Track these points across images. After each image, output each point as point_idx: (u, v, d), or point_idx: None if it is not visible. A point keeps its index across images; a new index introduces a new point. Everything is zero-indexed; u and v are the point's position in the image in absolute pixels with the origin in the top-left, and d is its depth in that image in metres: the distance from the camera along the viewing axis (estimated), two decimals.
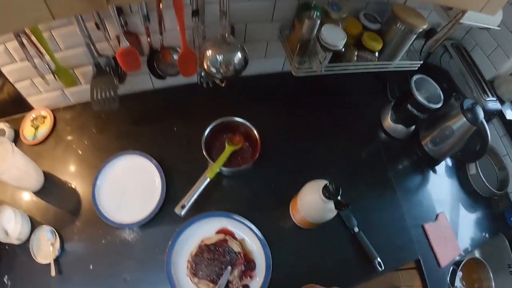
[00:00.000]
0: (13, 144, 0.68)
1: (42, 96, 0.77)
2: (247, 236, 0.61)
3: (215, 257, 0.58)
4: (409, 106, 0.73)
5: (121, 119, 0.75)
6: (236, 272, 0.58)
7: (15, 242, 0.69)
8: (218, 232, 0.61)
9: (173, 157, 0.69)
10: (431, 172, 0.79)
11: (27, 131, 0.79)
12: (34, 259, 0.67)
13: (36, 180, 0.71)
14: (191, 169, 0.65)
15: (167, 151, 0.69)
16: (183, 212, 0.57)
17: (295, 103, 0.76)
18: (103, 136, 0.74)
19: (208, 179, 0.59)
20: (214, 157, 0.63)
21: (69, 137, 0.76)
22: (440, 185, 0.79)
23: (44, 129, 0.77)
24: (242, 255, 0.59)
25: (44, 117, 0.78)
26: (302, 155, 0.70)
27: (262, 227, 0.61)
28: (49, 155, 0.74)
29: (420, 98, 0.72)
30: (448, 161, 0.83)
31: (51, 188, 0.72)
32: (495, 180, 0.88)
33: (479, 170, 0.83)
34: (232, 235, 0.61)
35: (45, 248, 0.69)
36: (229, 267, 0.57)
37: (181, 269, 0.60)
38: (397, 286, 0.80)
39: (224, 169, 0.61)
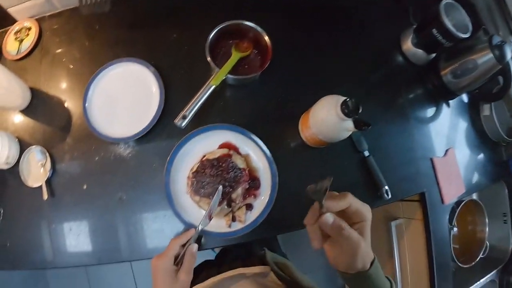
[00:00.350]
0: None
1: (25, 5, 0.68)
2: (253, 152, 0.57)
3: (218, 173, 0.54)
4: (434, 31, 0.66)
5: (114, 25, 0.67)
6: (239, 190, 0.55)
7: (4, 167, 0.64)
8: (221, 146, 0.57)
9: (172, 65, 0.62)
10: (444, 105, 0.74)
11: (11, 46, 0.71)
12: (25, 183, 0.63)
13: (21, 97, 0.64)
14: (192, 79, 0.60)
15: (166, 59, 0.62)
16: (184, 123, 0.52)
17: (311, 16, 0.68)
18: (94, 45, 0.66)
19: (213, 87, 0.53)
20: (219, 65, 0.56)
21: (58, 50, 0.68)
22: (452, 120, 0.75)
23: (29, 41, 0.68)
24: (247, 171, 0.55)
25: (29, 29, 0.70)
26: (314, 70, 0.64)
27: (268, 143, 0.57)
28: (35, 69, 0.67)
29: (448, 23, 0.65)
30: (464, 97, 0.79)
31: (38, 105, 0.66)
32: (506, 126, 0.86)
33: (493, 112, 0.80)
34: (236, 150, 0.57)
35: (36, 170, 0.64)
36: (220, 187, 0.53)
37: (180, 187, 0.56)
38: (397, 216, 0.80)
39: (230, 76, 0.55)
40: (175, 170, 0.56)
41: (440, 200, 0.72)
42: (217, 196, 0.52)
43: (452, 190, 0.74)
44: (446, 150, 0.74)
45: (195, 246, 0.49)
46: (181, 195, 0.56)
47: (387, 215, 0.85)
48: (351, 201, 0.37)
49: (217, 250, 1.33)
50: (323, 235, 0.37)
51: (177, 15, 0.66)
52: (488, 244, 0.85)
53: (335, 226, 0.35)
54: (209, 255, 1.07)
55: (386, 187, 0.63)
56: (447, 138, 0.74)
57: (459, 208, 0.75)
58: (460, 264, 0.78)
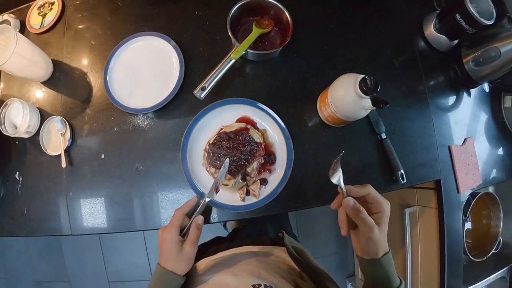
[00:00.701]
0: (17, 31, 0.63)
1: None
2: (270, 127, 0.57)
3: (235, 146, 0.54)
4: (457, 16, 0.65)
5: (136, 0, 0.67)
6: (255, 164, 0.55)
7: (25, 135, 0.66)
8: (239, 120, 0.57)
9: (193, 40, 0.63)
10: (465, 93, 0.73)
11: (34, 20, 0.73)
12: (44, 151, 0.65)
13: (44, 69, 0.66)
14: (212, 53, 0.60)
15: (187, 35, 0.63)
16: (203, 95, 0.52)
17: None
18: (116, 20, 0.67)
19: (233, 60, 0.53)
20: (239, 40, 0.56)
21: (80, 25, 0.69)
22: (472, 110, 0.73)
23: (52, 16, 0.70)
24: (263, 146, 0.55)
25: (52, 3, 0.72)
26: (334, 50, 0.63)
27: (285, 120, 0.57)
28: (57, 43, 0.69)
29: (472, 9, 0.64)
30: (486, 86, 0.77)
31: (60, 77, 0.67)
32: None
33: None
34: (253, 124, 0.57)
35: (55, 139, 0.66)
36: (227, 159, 0.52)
37: (197, 159, 0.57)
38: (411, 204, 0.79)
39: (250, 51, 0.55)
40: (192, 141, 0.57)
41: (456, 189, 0.70)
42: (224, 168, 0.52)
43: (468, 180, 0.73)
44: (465, 139, 0.72)
45: (201, 218, 0.49)
46: (197, 167, 0.57)
47: (401, 202, 0.84)
48: (370, 191, 0.42)
49: (230, 229, 1.36)
50: (350, 224, 0.42)
51: None
52: (501, 240, 0.83)
53: (354, 208, 0.40)
54: (222, 233, 1.08)
55: (402, 171, 0.62)
56: (466, 127, 0.73)
57: (475, 200, 0.74)
58: (471, 258, 0.77)
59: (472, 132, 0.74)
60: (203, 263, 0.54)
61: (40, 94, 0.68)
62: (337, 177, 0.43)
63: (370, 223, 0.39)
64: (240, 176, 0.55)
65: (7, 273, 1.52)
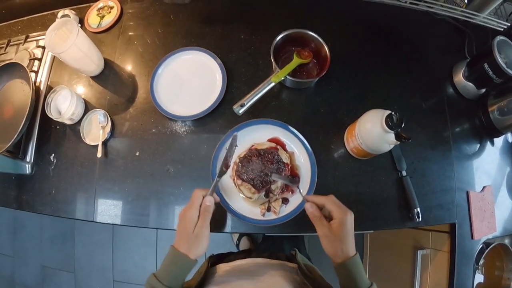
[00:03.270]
0: (78, 25, 0.69)
1: None
2: (298, 150, 0.61)
3: (263, 162, 0.57)
4: (485, 66, 0.68)
5: (189, 17, 0.74)
6: (279, 183, 0.58)
7: (67, 122, 0.71)
8: (270, 140, 0.61)
9: (237, 61, 0.68)
10: (489, 142, 0.74)
11: (92, 19, 0.80)
12: (83, 139, 0.70)
13: (96, 64, 0.72)
14: (253, 75, 0.65)
15: (232, 55, 0.68)
16: (241, 111, 0.57)
17: (371, 35, 0.72)
18: (168, 32, 0.73)
19: (273, 83, 0.58)
20: (280, 67, 0.61)
21: (135, 31, 0.75)
22: (494, 159, 0.75)
23: (110, 19, 0.77)
24: (289, 167, 0.58)
25: (111, 8, 0.79)
26: (366, 86, 0.67)
27: (313, 146, 0.60)
28: (111, 43, 0.75)
29: (500, 59, 0.67)
30: (509, 136, 0.78)
31: (109, 75, 0.73)
32: None
33: None
34: (283, 146, 0.60)
35: (95, 130, 0.71)
36: (237, 133, 0.55)
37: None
38: (424, 246, 0.79)
39: (289, 78, 0.60)
40: (225, 152, 0.59)
41: (470, 234, 0.71)
42: (234, 141, 0.54)
43: (483, 227, 0.73)
44: (484, 187, 0.73)
45: (209, 198, 0.50)
46: (224, 178, 0.60)
47: (415, 244, 0.84)
48: (324, 202, 0.48)
49: (242, 248, 1.36)
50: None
51: (248, 16, 0.73)
52: None
53: (310, 213, 0.48)
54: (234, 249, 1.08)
55: (418, 210, 0.63)
56: (487, 175, 0.74)
57: (488, 249, 0.73)
58: None
59: (492, 180, 0.75)
60: (222, 267, 0.55)
61: (88, 87, 0.74)
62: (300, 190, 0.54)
63: (322, 227, 0.47)
64: (263, 192, 0.58)
65: (15, 253, 1.55)
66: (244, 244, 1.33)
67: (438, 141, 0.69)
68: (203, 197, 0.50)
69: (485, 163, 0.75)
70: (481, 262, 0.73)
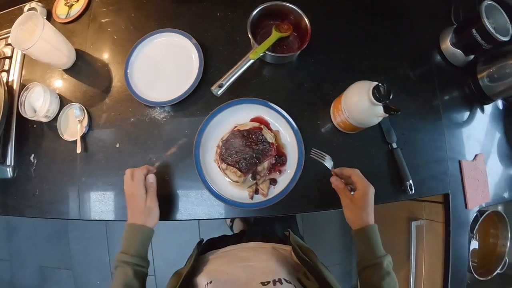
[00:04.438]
0: (44, 18, 0.65)
1: None
2: (283, 129, 0.59)
3: (247, 143, 0.55)
4: (473, 32, 0.65)
5: None
6: (265, 164, 0.56)
7: (43, 119, 0.68)
8: (253, 120, 0.58)
9: (214, 39, 0.64)
10: (479, 109, 0.73)
11: (60, 10, 0.75)
12: (61, 136, 0.67)
13: (67, 57, 0.68)
14: (231, 53, 0.62)
15: (208, 34, 0.65)
16: (219, 92, 0.54)
17: (353, 4, 0.69)
18: (141, 15, 0.70)
19: (251, 60, 0.55)
20: (259, 42, 0.58)
21: (105, 18, 0.71)
22: (485, 126, 0.73)
23: (78, 7, 0.73)
24: (275, 146, 0.56)
25: None
26: (351, 58, 0.65)
27: (299, 123, 0.58)
28: (82, 33, 0.71)
29: (488, 25, 0.64)
30: (500, 103, 0.77)
31: (82, 66, 0.69)
32: None
33: None
34: (267, 125, 0.58)
35: (73, 125, 0.68)
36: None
37: (209, 154, 0.58)
38: (418, 217, 0.78)
39: (268, 53, 0.57)
40: (206, 137, 0.58)
41: (464, 204, 0.70)
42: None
43: (477, 196, 0.72)
44: (476, 155, 0.72)
45: (152, 176, 0.55)
46: (209, 162, 0.58)
47: (409, 215, 0.83)
48: (351, 173, 0.52)
49: (236, 230, 1.36)
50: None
51: None
52: (507, 260, 0.81)
53: (336, 186, 0.53)
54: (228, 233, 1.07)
55: (411, 182, 0.62)
56: (478, 143, 0.73)
57: (482, 217, 0.73)
58: (476, 276, 0.75)
59: (484, 148, 0.74)
60: (213, 255, 0.54)
61: (61, 81, 0.70)
62: (330, 162, 0.55)
63: (346, 196, 0.51)
64: (250, 175, 0.56)
65: (11, 256, 1.54)
66: (238, 225, 1.32)
67: (428, 111, 0.68)
68: (145, 176, 0.54)
69: (476, 131, 0.73)
70: (475, 230, 0.73)
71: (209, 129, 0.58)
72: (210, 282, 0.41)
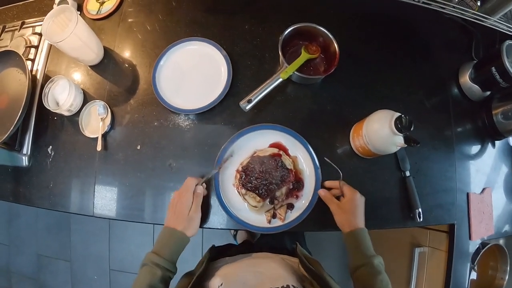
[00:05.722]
0: (78, 12, 0.66)
1: None
2: (301, 155, 0.60)
3: (267, 170, 0.57)
4: (493, 69, 0.68)
5: (192, 5, 0.71)
6: (284, 189, 0.57)
7: (65, 113, 0.69)
8: (272, 145, 0.60)
9: (242, 53, 0.66)
10: (490, 144, 0.75)
11: (92, 5, 0.76)
12: (82, 132, 0.67)
13: (95, 53, 0.69)
14: (260, 69, 0.63)
15: (237, 47, 0.66)
16: (248, 107, 0.55)
17: (379, 32, 0.71)
18: (171, 20, 0.71)
19: (281, 79, 0.56)
20: (287, 61, 0.59)
21: (136, 18, 0.72)
22: (495, 161, 0.75)
23: (110, 5, 0.74)
24: (293, 172, 0.57)
25: None
26: (373, 83, 0.67)
27: (317, 144, 0.60)
28: (111, 31, 0.72)
29: (508, 64, 0.66)
30: (510, 140, 0.79)
31: (109, 64, 0.70)
32: None
33: None
34: (285, 150, 0.59)
35: (95, 122, 0.69)
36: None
37: (228, 177, 0.60)
38: (421, 244, 0.80)
39: (296, 73, 0.58)
40: (226, 161, 0.59)
41: (468, 235, 0.72)
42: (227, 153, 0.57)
43: (481, 229, 0.74)
44: (484, 189, 0.74)
45: (201, 187, 0.57)
46: (228, 185, 0.59)
47: (412, 241, 0.85)
48: (338, 184, 0.57)
49: (240, 240, 1.37)
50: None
51: (254, 6, 0.70)
52: None
53: (323, 196, 0.57)
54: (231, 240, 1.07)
55: (420, 210, 0.64)
56: (487, 177, 0.75)
57: (484, 249, 0.75)
58: None
59: (492, 182, 0.76)
60: (224, 261, 0.55)
61: (87, 77, 0.71)
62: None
63: (332, 204, 0.56)
64: (268, 199, 0.57)
65: (10, 241, 1.54)
66: (242, 235, 1.33)
67: (441, 141, 0.69)
68: (196, 185, 0.56)
69: (486, 165, 0.75)
70: (476, 261, 0.74)
71: (228, 154, 0.58)
72: (221, 284, 0.42)
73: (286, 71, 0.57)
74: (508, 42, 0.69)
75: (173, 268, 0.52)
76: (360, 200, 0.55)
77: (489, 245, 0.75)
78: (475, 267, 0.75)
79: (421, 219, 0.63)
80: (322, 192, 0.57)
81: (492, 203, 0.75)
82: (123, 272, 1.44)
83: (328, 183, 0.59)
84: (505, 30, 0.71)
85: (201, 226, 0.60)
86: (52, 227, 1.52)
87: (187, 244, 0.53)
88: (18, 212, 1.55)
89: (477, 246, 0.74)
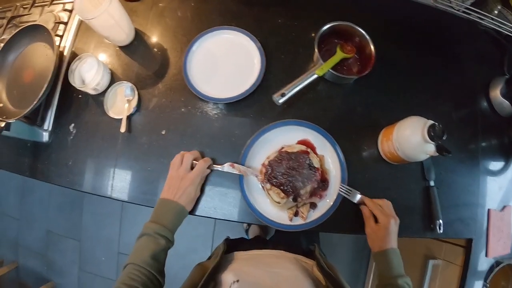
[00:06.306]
0: None
1: None
2: (328, 154, 0.59)
3: (294, 167, 0.56)
4: None
5: None
6: (308, 188, 0.56)
7: (91, 92, 0.68)
8: (300, 142, 0.59)
9: (277, 46, 0.65)
10: None
11: None
12: (106, 112, 0.66)
13: (126, 34, 0.68)
14: (293, 63, 0.62)
15: (272, 39, 0.65)
16: (281, 100, 0.55)
17: (416, 40, 0.70)
18: (205, 8, 0.70)
19: (315, 76, 0.56)
20: (321, 59, 0.58)
21: (170, 3, 0.71)
22: None
23: None
24: (320, 171, 0.56)
25: None
26: (404, 89, 0.66)
27: (345, 145, 0.59)
28: (143, 14, 0.71)
29: None
30: None
31: (139, 46, 0.69)
32: None
33: None
34: (313, 149, 0.58)
35: (120, 104, 0.68)
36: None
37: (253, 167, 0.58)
38: (436, 256, 0.79)
39: (331, 71, 0.57)
40: (252, 154, 0.59)
41: (485, 252, 0.71)
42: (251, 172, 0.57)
43: (499, 247, 0.73)
44: (504, 206, 0.73)
45: (209, 170, 0.58)
46: (252, 179, 0.58)
47: (427, 253, 0.84)
48: (373, 208, 0.57)
49: (252, 235, 1.37)
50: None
51: (289, 1, 0.69)
52: None
53: (364, 213, 0.58)
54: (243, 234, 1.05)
55: (441, 221, 0.63)
56: (509, 196, 0.73)
57: (498, 268, 0.74)
58: None
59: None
60: (239, 255, 0.55)
61: (115, 57, 0.70)
62: (356, 197, 0.59)
63: (368, 224, 0.57)
64: (292, 197, 0.56)
65: (21, 215, 1.54)
66: (254, 230, 1.33)
67: (466, 154, 0.69)
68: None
69: (509, 183, 0.73)
70: (489, 279, 0.73)
71: (255, 146, 0.58)
72: (237, 281, 0.41)
73: (321, 68, 0.56)
74: None
75: (173, 240, 0.53)
76: (393, 227, 0.55)
77: (502, 264, 0.74)
78: (488, 285, 0.75)
79: (441, 231, 0.62)
80: (364, 210, 0.58)
81: (511, 222, 0.74)
82: None
83: (365, 200, 0.58)
84: None
85: (218, 218, 0.60)
86: (65, 205, 1.52)
87: (185, 218, 0.55)
88: (32, 188, 1.55)
89: (491, 264, 0.74)
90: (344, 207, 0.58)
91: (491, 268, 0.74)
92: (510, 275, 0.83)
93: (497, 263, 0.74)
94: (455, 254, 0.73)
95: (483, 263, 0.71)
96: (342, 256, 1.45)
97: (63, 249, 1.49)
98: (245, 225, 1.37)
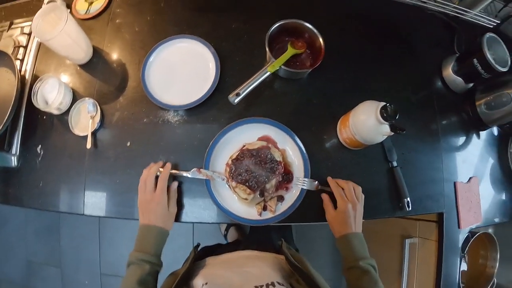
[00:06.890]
0: (68, 10, 0.67)
1: None
2: (290, 148, 0.61)
3: (256, 162, 0.57)
4: (474, 61, 0.70)
5: (180, 5, 0.72)
6: (273, 182, 0.58)
7: (55, 112, 0.69)
8: (261, 138, 0.60)
9: (231, 50, 0.67)
10: (475, 135, 0.77)
11: (80, 5, 0.77)
12: (71, 130, 0.67)
13: (85, 52, 0.70)
14: (247, 64, 0.64)
15: (225, 43, 0.67)
16: (236, 100, 0.56)
17: (365, 28, 0.73)
18: (160, 20, 0.72)
19: (268, 73, 0.58)
20: (274, 57, 0.60)
21: (125, 18, 0.73)
22: (480, 151, 0.77)
23: (99, 5, 0.75)
24: (282, 164, 0.58)
25: None
26: (359, 78, 0.68)
27: (305, 137, 0.61)
28: (100, 31, 0.73)
29: (489, 56, 0.69)
30: (495, 130, 0.81)
31: (98, 63, 0.71)
32: None
33: None
34: (274, 144, 0.60)
35: (84, 120, 0.69)
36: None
37: (219, 171, 0.59)
38: (412, 235, 0.81)
39: (283, 68, 0.59)
40: (215, 156, 0.60)
41: (457, 224, 0.73)
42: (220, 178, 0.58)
43: (470, 217, 0.76)
44: (470, 178, 0.76)
45: (176, 183, 0.60)
46: (218, 179, 0.59)
47: (403, 233, 0.86)
48: (334, 188, 0.59)
49: (230, 239, 1.37)
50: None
51: (242, 4, 0.72)
52: (495, 281, 0.84)
53: (324, 200, 0.60)
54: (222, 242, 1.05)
55: (408, 199, 0.65)
56: (473, 167, 0.76)
57: (473, 238, 0.76)
58: None
59: (478, 172, 0.78)
60: (210, 261, 0.55)
61: (76, 75, 0.71)
62: (311, 184, 0.60)
63: (327, 209, 0.59)
64: (258, 192, 0.57)
65: None
66: (232, 235, 1.33)
67: (427, 133, 0.71)
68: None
69: (472, 155, 0.77)
70: (466, 249, 0.76)
71: (218, 148, 0.60)
72: (206, 283, 0.42)
73: (273, 65, 0.58)
74: (488, 34, 0.71)
75: (160, 262, 0.53)
76: (350, 212, 0.56)
77: (478, 234, 0.77)
78: (465, 256, 0.77)
79: (410, 208, 0.65)
80: (324, 197, 0.59)
81: (479, 192, 0.76)
82: (114, 276, 1.42)
83: (331, 182, 0.60)
84: (485, 23, 0.73)
85: (191, 221, 0.60)
86: (42, 231, 1.49)
87: (167, 236, 0.56)
88: (6, 217, 1.51)
89: (467, 234, 0.76)
90: (311, 197, 0.60)
91: (467, 239, 0.76)
92: (487, 243, 0.86)
93: (472, 233, 0.77)
94: (429, 230, 0.75)
95: (458, 236, 0.73)
96: (322, 249, 1.47)
97: (45, 277, 1.47)
98: (223, 230, 1.38)
